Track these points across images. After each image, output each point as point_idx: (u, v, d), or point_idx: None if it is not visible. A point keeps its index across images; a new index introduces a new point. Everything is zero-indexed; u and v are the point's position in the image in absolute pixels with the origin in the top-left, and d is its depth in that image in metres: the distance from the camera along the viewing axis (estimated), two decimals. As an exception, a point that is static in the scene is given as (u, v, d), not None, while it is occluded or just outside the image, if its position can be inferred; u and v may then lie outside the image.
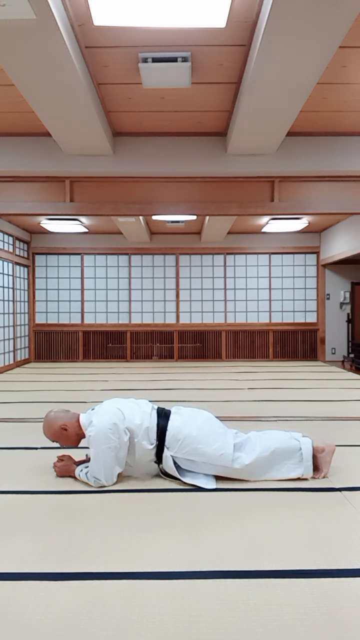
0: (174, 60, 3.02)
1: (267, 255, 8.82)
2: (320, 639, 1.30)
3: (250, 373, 6.98)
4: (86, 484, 2.39)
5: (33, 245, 8.70)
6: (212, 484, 2.36)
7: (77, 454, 2.69)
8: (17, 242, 8.08)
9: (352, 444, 3.11)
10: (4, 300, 7.45)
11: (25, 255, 8.52)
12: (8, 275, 7.65)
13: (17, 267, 8.11)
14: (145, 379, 6.40)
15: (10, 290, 7.74)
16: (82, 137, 4.04)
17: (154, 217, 6.78)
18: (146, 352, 8.80)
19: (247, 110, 3.51)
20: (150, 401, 2.60)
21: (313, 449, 2.46)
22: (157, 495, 2.29)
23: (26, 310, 8.56)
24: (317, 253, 8.77)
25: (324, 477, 2.45)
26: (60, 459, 2.54)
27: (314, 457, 2.47)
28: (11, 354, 7.78)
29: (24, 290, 8.48)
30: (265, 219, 7.20)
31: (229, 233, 8.30)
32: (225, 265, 8.84)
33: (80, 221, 7.36)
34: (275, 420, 3.81)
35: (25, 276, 8.54)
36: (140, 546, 1.80)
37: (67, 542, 1.83)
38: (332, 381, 6.15)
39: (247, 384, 5.91)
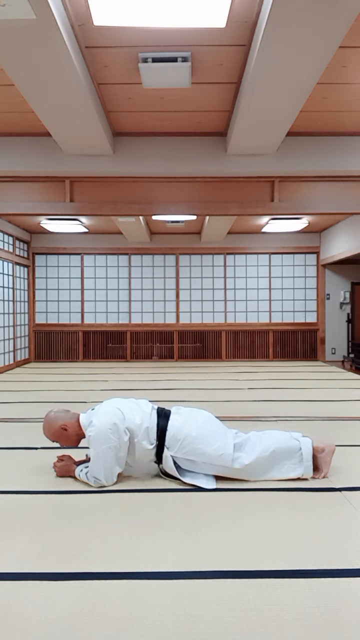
0: (174, 60, 3.02)
1: (267, 255, 8.82)
2: (320, 639, 1.30)
3: (250, 373, 6.98)
4: (86, 484, 2.39)
5: (33, 245, 8.70)
6: (212, 484, 2.36)
7: (77, 454, 2.69)
8: (17, 242, 8.08)
9: (352, 444, 3.11)
10: (4, 300, 7.45)
11: (25, 255, 8.52)
12: (8, 275, 7.65)
13: (17, 267, 8.11)
14: (145, 379, 6.40)
15: (10, 290, 7.74)
16: (82, 137, 4.04)
17: (154, 217, 6.78)
18: (146, 352, 8.80)
19: (247, 110, 3.51)
20: (150, 401, 2.60)
21: (313, 449, 2.46)
22: (157, 495, 2.29)
23: (26, 310, 8.57)
24: (317, 253, 8.77)
25: (324, 477, 2.45)
26: (60, 459, 2.54)
27: (314, 457, 2.47)
28: (11, 354, 7.78)
29: (24, 290, 8.48)
30: (265, 219, 7.20)
31: (229, 233, 8.30)
32: (225, 265, 8.84)
33: (80, 221, 7.36)
34: (275, 420, 3.81)
35: (25, 276, 8.54)
36: (140, 546, 1.80)
37: (67, 542, 1.83)
38: (332, 381, 6.15)
39: (247, 384, 5.91)
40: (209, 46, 2.97)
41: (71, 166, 4.49)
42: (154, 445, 2.38)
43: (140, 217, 6.60)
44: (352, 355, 7.96)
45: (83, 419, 2.44)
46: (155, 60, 3.02)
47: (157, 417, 2.44)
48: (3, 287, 7.43)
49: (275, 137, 4.07)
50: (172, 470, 2.38)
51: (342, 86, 3.49)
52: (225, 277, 8.84)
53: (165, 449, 2.38)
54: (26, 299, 8.56)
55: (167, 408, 2.56)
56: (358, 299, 8.29)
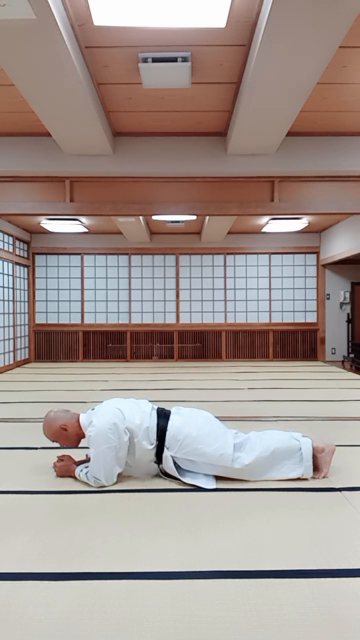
0: (174, 60, 3.02)
1: (267, 255, 8.82)
2: (320, 639, 1.30)
3: (250, 373, 6.98)
4: (86, 484, 2.39)
5: (33, 245, 8.70)
6: (212, 484, 2.36)
7: (77, 454, 2.69)
8: (17, 242, 8.08)
9: (352, 444, 3.11)
10: (4, 300, 7.45)
11: (25, 255, 8.52)
12: (8, 275, 7.65)
13: (17, 267, 8.11)
14: (145, 379, 6.40)
15: (10, 290, 7.74)
16: (82, 137, 4.04)
17: (154, 217, 6.78)
18: (146, 352, 8.80)
19: (247, 110, 3.51)
20: (150, 401, 2.60)
21: (313, 449, 2.46)
22: (157, 495, 2.29)
23: (26, 310, 8.57)
24: (317, 253, 8.77)
25: (324, 477, 2.45)
26: (60, 459, 2.54)
27: (314, 457, 2.47)
28: (11, 354, 7.78)
29: (24, 290, 8.48)
30: (265, 219, 7.20)
31: (229, 233, 8.30)
32: (225, 265, 8.84)
33: (80, 221, 7.36)
34: (275, 420, 3.81)
35: (25, 276, 8.54)
36: (140, 546, 1.80)
37: (67, 542, 1.83)
38: (332, 381, 6.15)
39: (247, 384, 5.91)
40: (209, 46, 2.97)
41: (71, 166, 4.49)
42: (154, 445, 2.38)
43: (140, 217, 6.60)
44: (352, 355, 7.96)
45: (83, 419, 2.44)
46: (155, 60, 3.02)
47: (157, 417, 2.44)
48: (3, 287, 7.43)
49: (275, 137, 4.07)
50: (172, 471, 2.38)
51: (342, 86, 3.49)
52: (225, 277, 8.84)
53: (165, 449, 2.38)
54: (26, 299, 8.56)
55: (167, 408, 2.56)
56: (358, 299, 8.29)
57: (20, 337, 8.27)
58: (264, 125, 3.81)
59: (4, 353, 7.42)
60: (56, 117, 3.66)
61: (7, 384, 6.01)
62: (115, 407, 2.40)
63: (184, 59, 3.02)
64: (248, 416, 3.98)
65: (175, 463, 2.40)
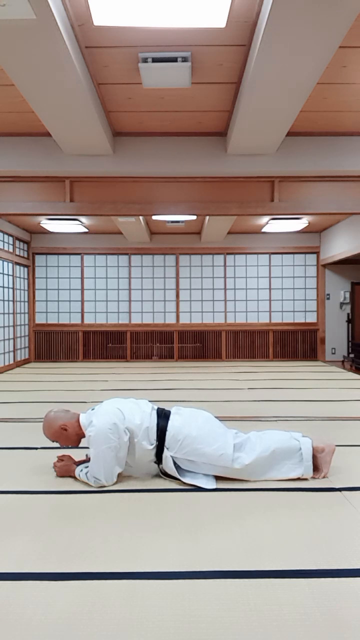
0: (174, 60, 3.02)
1: (267, 255, 8.82)
2: (320, 639, 1.30)
3: (250, 373, 6.98)
4: (86, 484, 2.39)
5: (33, 245, 8.70)
6: (212, 484, 2.36)
7: (77, 454, 2.69)
8: (17, 242, 8.08)
9: (352, 444, 3.11)
10: (4, 300, 7.45)
11: (25, 255, 8.52)
12: (8, 275, 7.65)
13: (17, 267, 8.11)
14: (145, 379, 6.40)
15: (10, 290, 7.74)
16: (82, 137, 4.04)
17: (154, 217, 6.78)
18: (146, 352, 8.80)
19: (247, 110, 3.51)
20: (150, 401, 2.60)
21: (313, 449, 2.46)
22: (157, 495, 2.29)
23: (26, 310, 8.57)
24: (317, 253, 8.77)
25: (324, 477, 2.45)
26: (60, 459, 2.54)
27: (314, 457, 2.47)
28: (11, 354, 7.78)
29: (24, 290, 8.48)
30: (265, 219, 7.20)
31: (229, 233, 8.30)
32: (225, 265, 8.84)
33: (80, 221, 7.36)
34: (275, 420, 3.81)
35: (25, 276, 8.54)
36: (140, 546, 1.80)
37: (67, 542, 1.83)
38: (332, 381, 6.15)
39: (247, 384, 5.91)
40: (209, 46, 2.97)
41: (71, 166, 4.49)
42: (154, 445, 2.38)
43: (140, 217, 6.60)
44: (352, 355, 7.96)
45: (83, 419, 2.44)
46: (155, 60, 3.02)
47: (157, 417, 2.44)
48: (3, 287, 7.43)
49: (275, 137, 4.07)
50: (172, 471, 2.38)
51: (342, 86, 3.49)
52: (225, 277, 8.84)
53: (165, 449, 2.38)
54: (26, 299, 8.56)
55: (167, 408, 2.56)
56: (358, 299, 8.29)
57: (20, 337, 8.27)
58: (264, 125, 3.81)
59: (4, 353, 7.43)
60: (56, 117, 3.66)
61: (7, 384, 6.01)
62: (115, 407, 2.40)
63: (184, 59, 3.02)
64: (248, 416, 3.98)
65: (175, 463, 2.40)
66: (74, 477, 2.47)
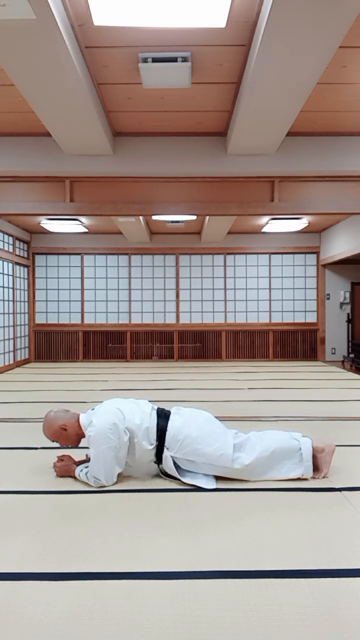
0: (174, 60, 3.02)
1: (267, 255, 8.82)
2: (320, 639, 1.30)
3: (250, 373, 6.98)
4: (86, 484, 2.39)
5: (33, 245, 8.70)
6: (212, 484, 2.36)
7: (77, 454, 2.69)
8: (17, 242, 8.08)
9: (352, 444, 3.11)
10: (4, 300, 7.45)
11: (25, 255, 8.52)
12: (8, 275, 7.65)
13: (17, 267, 8.11)
14: (145, 379, 6.40)
15: (10, 290, 7.74)
16: (82, 137, 4.04)
17: (154, 217, 6.78)
18: (146, 352, 8.80)
19: (247, 110, 3.51)
20: (150, 401, 2.60)
21: (313, 449, 2.46)
22: (157, 495, 2.29)
23: (26, 310, 8.57)
24: (317, 253, 8.77)
25: (324, 477, 2.45)
26: (60, 459, 2.54)
27: (314, 457, 2.47)
28: (11, 354, 7.78)
29: (24, 290, 8.48)
30: (265, 219, 7.20)
31: (229, 233, 8.30)
32: (225, 265, 8.84)
33: (80, 221, 7.36)
34: (275, 420, 3.81)
35: (25, 276, 8.54)
36: (140, 546, 1.80)
37: (67, 542, 1.83)
38: (332, 381, 6.15)
39: (247, 384, 5.91)
40: (209, 46, 2.97)
41: (71, 166, 4.49)
42: (154, 445, 2.38)
43: (140, 217, 6.60)
44: (352, 355, 7.96)
45: (83, 419, 2.44)
46: (155, 60, 3.02)
47: (157, 417, 2.44)
48: (3, 287, 7.43)
49: (275, 137, 4.07)
50: (172, 471, 2.38)
51: (342, 86, 3.49)
52: (225, 277, 8.84)
53: (165, 450, 2.38)
54: (26, 299, 8.56)
55: (167, 408, 2.56)
56: (358, 299, 8.29)
57: (20, 337, 8.27)
58: (264, 125, 3.81)
59: (4, 353, 7.43)
60: (56, 117, 3.66)
61: (7, 384, 6.01)
62: (115, 407, 2.40)
63: (184, 59, 3.02)
64: (248, 416, 3.98)
65: (175, 463, 2.40)
66: (74, 477, 2.47)
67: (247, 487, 2.35)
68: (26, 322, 8.56)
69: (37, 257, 8.79)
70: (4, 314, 7.45)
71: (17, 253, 8.08)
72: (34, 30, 2.49)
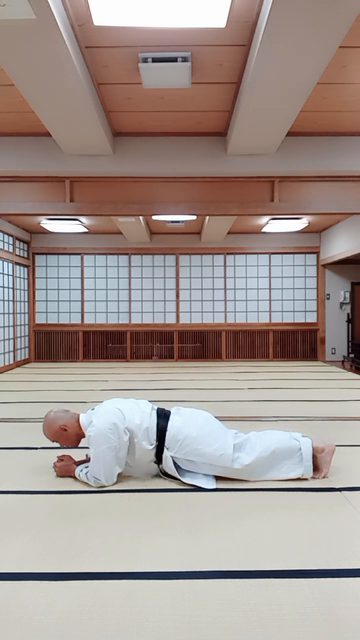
0: (174, 60, 3.02)
1: (267, 255, 8.82)
2: (320, 639, 1.30)
3: (250, 373, 6.98)
4: (86, 484, 2.39)
5: (33, 245, 8.70)
6: (212, 484, 2.36)
7: (77, 454, 2.69)
8: (17, 242, 8.08)
9: (352, 444, 3.11)
10: (4, 300, 7.45)
11: (25, 255, 8.52)
12: (8, 275, 7.65)
13: (17, 267, 8.11)
14: (145, 379, 6.40)
15: (10, 290, 7.74)
16: (82, 137, 4.04)
17: (154, 217, 6.78)
18: (146, 352, 8.80)
19: (247, 110, 3.51)
20: (150, 401, 2.60)
21: (313, 449, 2.46)
22: (157, 495, 2.29)
23: (26, 310, 8.57)
24: (317, 253, 8.77)
25: (324, 477, 2.45)
26: (60, 459, 2.54)
27: (314, 457, 2.47)
28: (11, 354, 7.78)
29: (24, 290, 8.48)
30: (265, 219, 7.20)
31: (229, 233, 8.30)
32: (225, 265, 8.84)
33: (80, 221, 7.36)
34: (275, 420, 3.81)
35: (25, 276, 8.54)
36: (140, 546, 1.80)
37: (67, 542, 1.83)
38: (332, 381, 6.15)
39: (247, 384, 5.91)
40: (209, 46, 2.97)
41: (71, 166, 4.49)
42: (154, 445, 2.38)
43: (140, 217, 6.60)
44: (352, 355, 7.96)
45: (83, 419, 2.44)
46: (155, 60, 3.02)
47: (157, 417, 2.44)
48: (3, 287, 7.43)
49: (275, 137, 4.07)
50: (172, 471, 2.38)
51: (342, 86, 3.49)
52: (225, 277, 8.84)
53: (165, 450, 2.38)
54: (26, 299, 8.56)
55: (167, 408, 2.56)
56: (358, 299, 8.29)
57: (20, 337, 8.27)
58: (264, 125, 3.81)
59: (4, 353, 7.42)
60: (56, 117, 3.66)
61: (7, 384, 6.01)
62: (115, 407, 2.40)
63: (184, 59, 3.02)
64: (248, 416, 3.98)
65: (175, 463, 2.40)
66: (74, 477, 2.47)
67: (247, 487, 2.35)
68: (26, 322, 8.56)
69: (37, 257, 8.79)
70: (4, 314, 7.45)
71: (17, 253, 8.08)
72: (34, 30, 2.49)
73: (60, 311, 8.82)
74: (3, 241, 7.46)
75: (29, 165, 4.48)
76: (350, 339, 8.47)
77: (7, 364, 7.58)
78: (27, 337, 8.60)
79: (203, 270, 8.84)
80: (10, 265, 7.75)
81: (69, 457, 2.56)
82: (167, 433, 2.38)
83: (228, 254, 8.82)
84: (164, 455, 2.38)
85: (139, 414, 2.41)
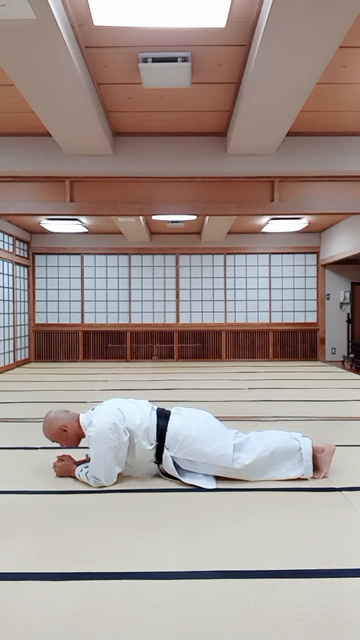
0: (174, 60, 3.02)
1: (267, 255, 8.82)
2: (320, 639, 1.30)
3: (250, 373, 6.98)
4: (86, 484, 2.39)
5: (33, 245, 8.70)
6: (212, 484, 2.36)
7: (77, 454, 2.69)
8: (17, 242, 8.08)
9: (352, 444, 3.11)
10: (4, 300, 7.45)
11: (25, 255, 8.52)
12: (8, 275, 7.65)
13: (17, 267, 8.11)
14: (145, 379, 6.40)
15: (10, 290, 7.74)
16: (82, 137, 4.04)
17: (154, 217, 6.78)
18: (146, 352, 8.80)
19: (247, 110, 3.51)
20: (150, 401, 2.60)
21: (313, 449, 2.46)
22: (157, 495, 2.29)
23: (26, 310, 8.57)
24: (317, 253, 8.77)
25: (324, 477, 2.45)
26: (60, 459, 2.54)
27: (314, 457, 2.47)
28: (11, 354, 7.78)
29: (24, 290, 8.48)
30: (265, 219, 7.20)
31: (229, 233, 8.30)
32: (225, 265, 8.84)
33: (80, 221, 7.36)
34: (275, 420, 3.81)
35: (25, 276, 8.54)
36: (140, 546, 1.80)
37: (67, 542, 1.83)
38: (332, 381, 6.15)
39: (247, 384, 5.91)
40: (209, 46, 2.97)
41: (71, 166, 4.49)
42: (154, 445, 2.38)
43: (140, 217, 6.60)
44: (352, 355, 7.96)
45: (83, 419, 2.44)
46: (155, 60, 3.02)
47: (157, 417, 2.44)
48: (3, 287, 7.43)
49: (275, 137, 4.07)
50: (172, 471, 2.38)
51: (342, 86, 3.49)
52: (225, 277, 8.84)
53: (165, 450, 2.38)
54: (26, 299, 8.56)
55: (167, 408, 2.56)
56: (358, 299, 8.29)
57: (20, 337, 8.27)
58: (264, 125, 3.81)
59: (4, 353, 7.42)
60: (56, 117, 3.66)
61: (7, 384, 6.01)
62: (115, 407, 2.40)
63: (184, 59, 3.02)
64: (248, 416, 3.98)
65: (175, 463, 2.40)
66: (74, 477, 2.47)
67: (247, 487, 2.35)
68: (26, 322, 8.57)
69: (37, 257, 8.79)
70: (4, 314, 7.45)
71: (17, 253, 8.08)
72: (34, 30, 2.49)
73: (60, 311, 8.82)
74: (3, 241, 7.46)
75: (29, 165, 4.48)
76: (350, 339, 8.47)
77: (7, 364, 7.58)
78: (27, 337, 8.60)
79: (203, 270, 8.84)
80: (10, 265, 7.75)
81: (69, 457, 2.56)
82: (167, 433, 2.38)
83: (228, 254, 8.82)
84: (164, 455, 2.38)
85: (139, 414, 2.41)
